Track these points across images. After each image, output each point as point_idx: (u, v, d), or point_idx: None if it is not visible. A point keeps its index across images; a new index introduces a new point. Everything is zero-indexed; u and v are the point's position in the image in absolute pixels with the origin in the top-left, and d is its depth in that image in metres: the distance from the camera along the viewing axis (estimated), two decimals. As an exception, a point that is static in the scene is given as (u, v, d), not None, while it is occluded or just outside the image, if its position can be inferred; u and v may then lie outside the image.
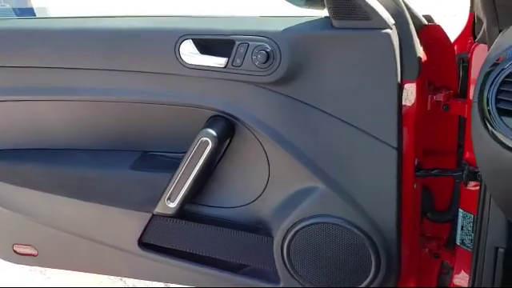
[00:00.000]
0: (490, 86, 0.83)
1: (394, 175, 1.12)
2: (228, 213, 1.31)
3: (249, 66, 1.10)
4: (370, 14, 0.99)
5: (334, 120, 1.12)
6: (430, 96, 1.15)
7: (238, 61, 1.10)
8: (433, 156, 1.25)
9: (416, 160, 1.17)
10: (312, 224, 1.20)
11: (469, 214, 1.20)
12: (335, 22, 1.04)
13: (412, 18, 1.04)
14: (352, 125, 1.11)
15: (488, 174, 0.95)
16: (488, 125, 0.85)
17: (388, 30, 1.00)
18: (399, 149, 1.10)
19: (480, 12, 0.95)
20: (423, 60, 1.07)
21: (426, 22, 1.08)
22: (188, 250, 1.35)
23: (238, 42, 1.10)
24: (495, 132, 0.84)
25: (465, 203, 1.21)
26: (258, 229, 1.30)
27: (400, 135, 1.09)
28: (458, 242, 1.26)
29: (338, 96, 1.10)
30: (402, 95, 1.06)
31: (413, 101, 1.08)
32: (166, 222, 1.32)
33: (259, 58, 1.08)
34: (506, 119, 0.82)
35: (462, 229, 1.24)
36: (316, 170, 1.17)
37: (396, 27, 1.02)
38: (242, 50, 1.09)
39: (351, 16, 1.01)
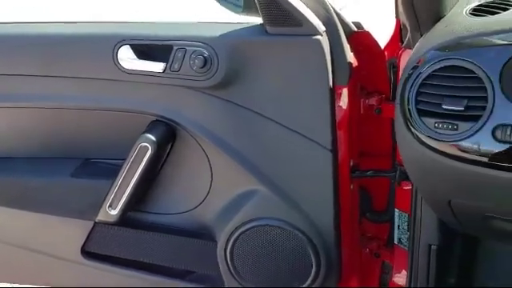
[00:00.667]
0: (410, 88, 0.87)
1: (330, 176, 1.15)
2: (171, 219, 1.31)
3: (187, 71, 1.11)
4: (302, 20, 1.03)
5: (273, 123, 1.14)
6: (362, 100, 1.19)
7: (176, 66, 1.11)
8: (370, 158, 1.29)
9: (352, 161, 1.21)
10: (254, 227, 1.21)
11: (404, 214, 1.25)
12: (269, 29, 1.07)
13: (342, 25, 1.08)
14: (289, 128, 1.14)
15: (414, 174, 0.99)
16: (410, 126, 0.89)
17: (319, 37, 1.04)
18: (334, 150, 1.13)
19: (404, 19, 1.00)
20: (354, 65, 1.11)
21: (356, 29, 1.12)
22: (132, 258, 1.33)
23: (175, 47, 1.11)
24: (416, 132, 0.88)
25: (400, 203, 1.25)
26: (202, 234, 1.30)
27: (334, 137, 1.13)
28: (395, 241, 1.31)
29: (275, 100, 1.13)
30: (334, 99, 1.10)
31: (345, 104, 1.12)
32: (108, 230, 1.31)
33: (197, 63, 1.09)
34: (426, 119, 0.86)
35: (398, 228, 1.28)
36: (257, 173, 1.19)
37: (327, 34, 1.06)
38: (179, 55, 1.11)
39: (284, 23, 1.04)
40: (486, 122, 0.80)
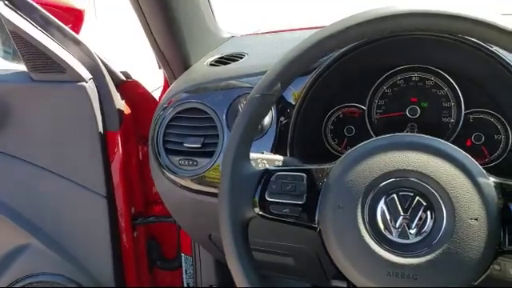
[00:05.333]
0: (159, 129, 0.93)
1: (106, 225, 1.14)
2: None
3: None
4: (64, 67, 1.05)
5: (43, 172, 1.11)
6: (141, 147, 1.22)
7: None
8: (157, 205, 1.31)
9: (133, 209, 1.21)
10: (27, 284, 1.13)
11: (189, 257, 1.28)
12: (33, 75, 1.06)
13: (110, 74, 1.12)
14: (61, 176, 1.11)
15: (173, 213, 1.03)
16: (160, 165, 0.93)
17: (83, 83, 1.06)
18: (109, 197, 1.13)
19: (163, 69, 1.08)
20: (127, 112, 1.15)
21: (125, 78, 1.17)
22: None
23: None
24: (165, 171, 0.93)
25: (184, 247, 1.28)
26: None
27: (109, 184, 1.13)
28: (184, 286, 1.32)
29: (44, 147, 1.11)
30: (106, 145, 1.11)
31: (119, 150, 1.14)
32: None
33: None
34: (172, 158, 0.92)
35: (186, 273, 1.30)
36: (28, 225, 1.12)
37: (94, 81, 1.09)
38: None
39: (46, 69, 1.05)
40: (218, 156, 0.88)
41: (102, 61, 1.10)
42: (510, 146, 0.86)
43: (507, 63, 0.77)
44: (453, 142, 0.88)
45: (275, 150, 0.86)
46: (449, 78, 0.88)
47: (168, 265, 1.36)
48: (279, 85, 0.66)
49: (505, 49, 0.60)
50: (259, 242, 0.94)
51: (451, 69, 0.88)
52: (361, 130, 0.94)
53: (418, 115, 0.91)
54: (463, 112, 0.88)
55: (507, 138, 0.86)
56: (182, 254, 1.29)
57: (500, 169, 0.87)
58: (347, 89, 0.93)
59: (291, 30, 1.14)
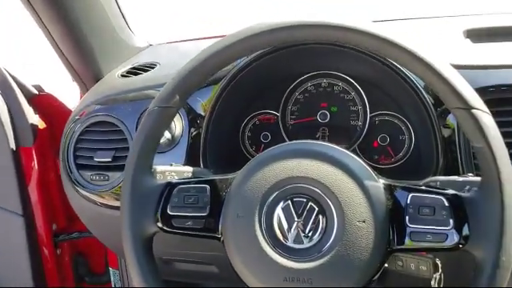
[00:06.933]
0: (69, 143, 0.90)
1: (24, 244, 1.09)
2: None
3: None
4: None
5: None
6: (59, 161, 1.18)
7: None
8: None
9: (55, 225, 1.17)
10: None
11: (117, 271, 1.25)
12: None
13: (20, 88, 1.08)
14: None
15: (90, 228, 1.01)
16: (72, 181, 0.91)
17: None
18: (27, 216, 1.09)
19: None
20: (41, 127, 1.11)
21: (37, 92, 1.14)
22: None
23: None
24: (77, 187, 0.90)
25: (111, 262, 1.25)
26: None
27: (25, 202, 1.09)
28: (114, 300, 1.29)
29: None
30: (20, 161, 1.07)
31: (35, 166, 1.10)
32: None
33: None
34: (83, 173, 0.90)
35: (115, 287, 1.27)
36: None
37: (2, 96, 1.04)
38: None
39: None
40: None
41: (10, 75, 1.06)
42: (413, 146, 0.91)
43: (399, 69, 0.81)
44: (361, 144, 0.93)
45: (188, 161, 0.85)
46: (355, 84, 0.92)
47: (97, 280, 1.33)
48: (177, 97, 0.66)
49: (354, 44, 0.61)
50: (178, 252, 0.93)
51: (356, 75, 0.91)
52: (276, 135, 0.95)
53: (328, 119, 0.93)
54: (369, 115, 0.91)
55: (410, 138, 0.90)
56: (110, 269, 1.26)
57: (406, 167, 0.91)
58: (261, 96, 0.94)
59: (208, 38, 1.14)
